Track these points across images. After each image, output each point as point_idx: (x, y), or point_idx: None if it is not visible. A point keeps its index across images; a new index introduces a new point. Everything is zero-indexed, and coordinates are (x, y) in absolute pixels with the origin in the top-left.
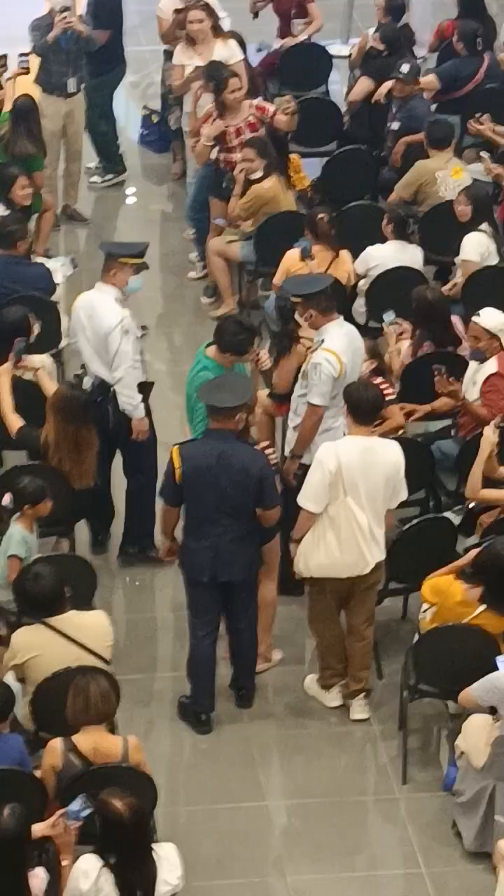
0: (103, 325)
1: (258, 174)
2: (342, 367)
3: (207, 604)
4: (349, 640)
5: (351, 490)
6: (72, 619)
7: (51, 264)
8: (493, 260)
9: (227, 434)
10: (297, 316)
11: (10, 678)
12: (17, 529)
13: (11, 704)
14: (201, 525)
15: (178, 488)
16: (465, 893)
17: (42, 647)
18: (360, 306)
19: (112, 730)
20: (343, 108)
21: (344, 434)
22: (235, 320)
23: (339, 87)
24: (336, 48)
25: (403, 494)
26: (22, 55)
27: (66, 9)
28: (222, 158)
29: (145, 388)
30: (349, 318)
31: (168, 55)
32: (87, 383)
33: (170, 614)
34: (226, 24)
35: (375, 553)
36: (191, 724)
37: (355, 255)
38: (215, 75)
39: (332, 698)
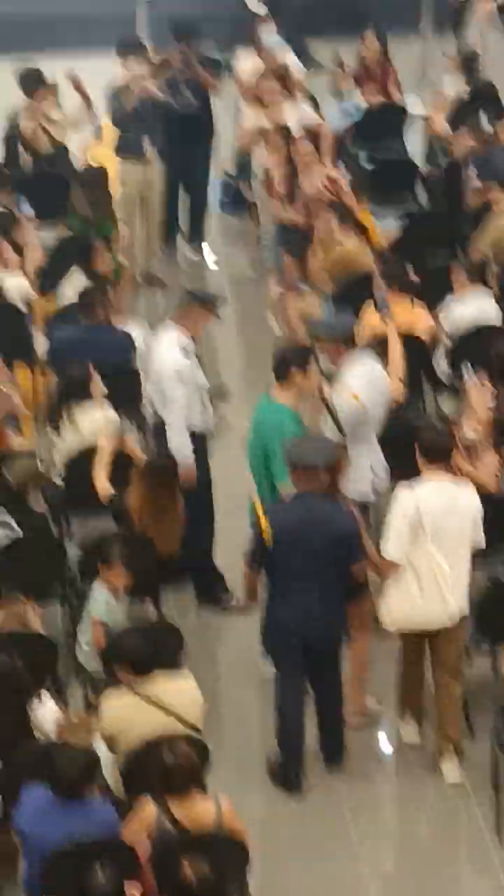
0: (162, 369)
1: (337, 235)
2: (361, 405)
3: (295, 666)
4: (437, 695)
5: (433, 536)
6: (161, 685)
7: (131, 330)
8: None
9: (313, 493)
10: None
11: (100, 745)
12: (102, 594)
13: (96, 770)
14: (290, 587)
15: (265, 551)
16: None
17: (131, 716)
18: (444, 366)
19: (204, 793)
20: (421, 167)
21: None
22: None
23: (416, 145)
24: (411, 105)
25: (482, 540)
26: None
27: (143, 76)
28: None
29: (201, 439)
30: (432, 377)
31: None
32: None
33: (255, 673)
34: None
35: (457, 602)
36: (282, 786)
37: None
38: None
39: (409, 733)
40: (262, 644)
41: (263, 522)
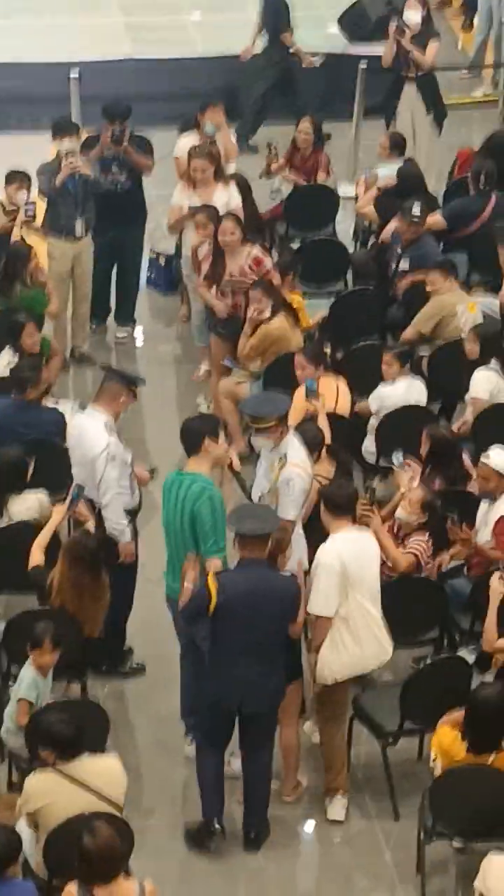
0: (91, 450)
1: (266, 314)
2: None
3: (222, 731)
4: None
5: (357, 585)
6: (85, 765)
7: (61, 408)
8: (503, 398)
9: (259, 562)
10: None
11: (22, 825)
12: (29, 672)
13: (17, 850)
14: (232, 655)
15: (205, 618)
16: None
17: (54, 794)
18: (370, 445)
19: (127, 875)
20: (350, 249)
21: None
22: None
23: (346, 227)
24: (343, 188)
25: None
26: (27, 203)
27: (73, 153)
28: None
29: (132, 513)
30: (358, 455)
31: None
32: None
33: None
34: (231, 169)
35: (388, 640)
36: (201, 841)
37: (362, 394)
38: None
39: (335, 811)
40: (186, 718)
41: (212, 588)
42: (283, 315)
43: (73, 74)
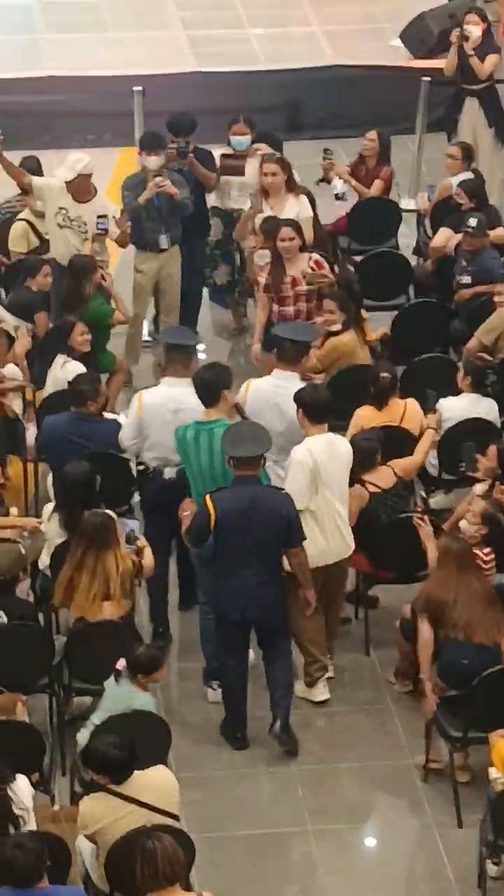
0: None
1: (336, 326)
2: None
3: (237, 641)
4: (328, 620)
5: (327, 483)
6: (136, 782)
7: (122, 419)
8: None
9: (253, 479)
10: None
11: (82, 839)
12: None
13: (44, 862)
14: (232, 567)
15: (208, 533)
16: None
17: (110, 815)
18: (432, 458)
19: (188, 888)
20: (413, 262)
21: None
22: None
23: (409, 241)
24: (405, 202)
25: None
26: (100, 217)
27: (160, 174)
28: (276, 311)
29: None
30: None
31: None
32: (168, 473)
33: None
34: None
35: (351, 537)
36: (228, 741)
37: (424, 406)
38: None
39: (320, 693)
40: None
41: (209, 506)
42: (354, 330)
43: (137, 88)
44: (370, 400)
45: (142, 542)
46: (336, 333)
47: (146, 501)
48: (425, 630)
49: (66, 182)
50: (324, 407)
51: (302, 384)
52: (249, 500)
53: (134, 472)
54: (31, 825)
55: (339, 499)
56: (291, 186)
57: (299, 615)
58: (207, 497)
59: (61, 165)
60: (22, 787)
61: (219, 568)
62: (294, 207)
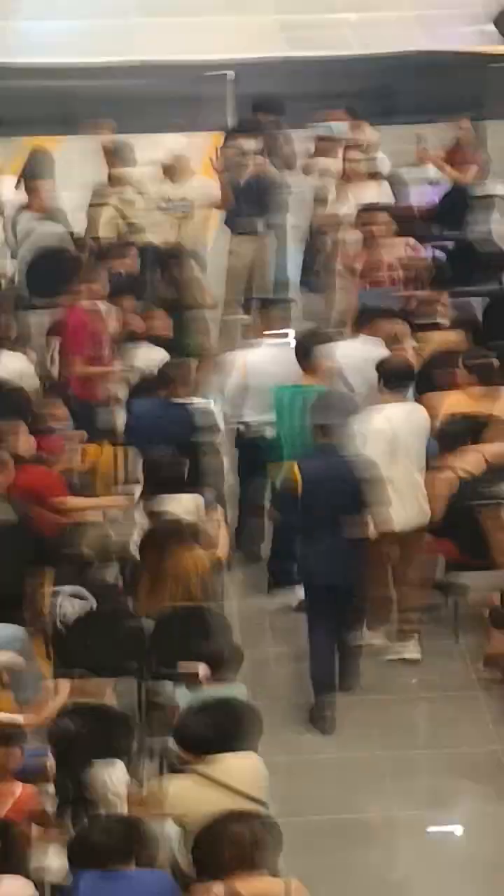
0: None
1: (445, 322)
2: None
3: (326, 605)
4: (407, 589)
5: (404, 452)
6: (223, 764)
7: (211, 405)
8: None
9: (334, 447)
10: None
11: (170, 823)
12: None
13: (129, 844)
14: (317, 532)
15: (295, 501)
16: None
17: (196, 798)
18: None
19: (275, 874)
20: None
21: None
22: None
23: (501, 228)
24: (500, 187)
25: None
26: (182, 200)
27: (258, 152)
28: None
29: None
30: None
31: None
32: (266, 431)
33: (334, 754)
34: (385, 166)
35: (427, 507)
36: (317, 725)
37: None
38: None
39: (412, 649)
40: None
41: (296, 474)
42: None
43: (229, 75)
44: (462, 384)
45: (216, 517)
46: (440, 328)
47: (244, 461)
48: None
49: (164, 165)
50: (404, 376)
51: (386, 351)
52: (331, 468)
53: (223, 459)
54: (122, 811)
55: (418, 468)
56: (373, 174)
57: (375, 570)
58: (294, 465)
59: (159, 148)
60: (118, 774)
61: (304, 534)
62: (374, 193)
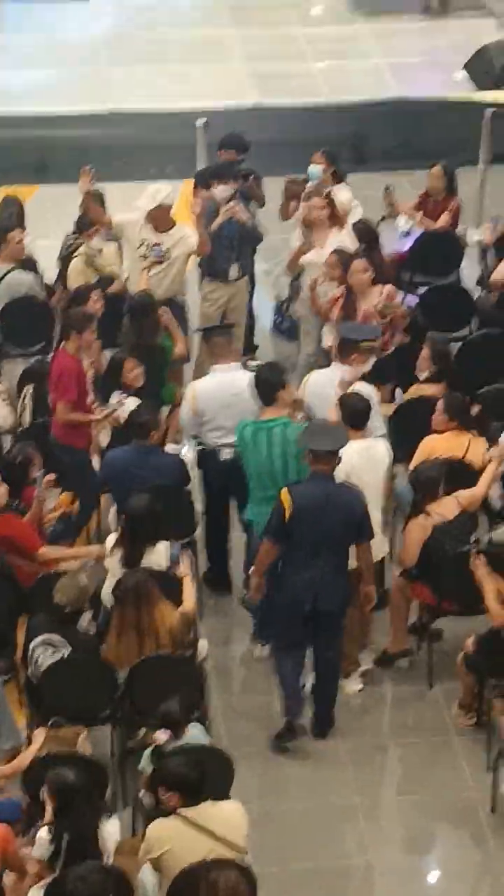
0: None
1: (424, 375)
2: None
3: (299, 638)
4: (363, 618)
5: (362, 487)
6: (207, 810)
7: (183, 452)
8: None
9: (329, 476)
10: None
11: (146, 871)
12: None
13: (104, 894)
14: (304, 559)
15: (285, 527)
16: None
17: (178, 840)
18: (495, 493)
19: None
20: (475, 294)
21: None
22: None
23: (472, 273)
24: (469, 235)
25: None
26: (156, 245)
27: (232, 198)
28: None
29: None
30: (484, 504)
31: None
32: (225, 455)
33: (310, 801)
34: (356, 213)
35: (385, 540)
36: (283, 740)
37: (489, 439)
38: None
39: (355, 683)
40: (259, 622)
41: (285, 500)
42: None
43: (200, 123)
44: (438, 427)
45: (183, 570)
46: (422, 381)
47: (207, 483)
48: None
49: (147, 211)
50: (362, 413)
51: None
52: (325, 496)
53: (197, 506)
54: (109, 861)
55: (373, 502)
56: (335, 220)
57: (354, 610)
58: (285, 491)
59: (142, 196)
60: (111, 828)
61: (290, 559)
62: (336, 241)
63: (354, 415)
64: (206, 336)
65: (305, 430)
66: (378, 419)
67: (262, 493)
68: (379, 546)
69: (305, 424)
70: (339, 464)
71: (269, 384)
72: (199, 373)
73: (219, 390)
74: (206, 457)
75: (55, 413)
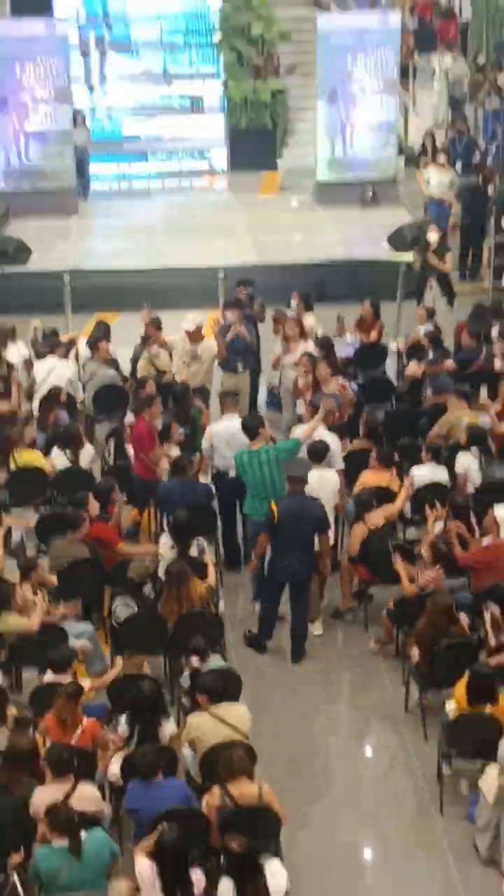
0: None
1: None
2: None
3: (277, 596)
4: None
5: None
6: (225, 709)
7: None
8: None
9: (301, 492)
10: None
11: (186, 749)
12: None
13: (159, 762)
14: (287, 549)
15: (274, 527)
16: (483, 887)
17: (206, 728)
18: (407, 512)
19: (252, 780)
20: (395, 383)
21: None
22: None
23: (392, 369)
24: (391, 345)
25: None
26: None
27: (238, 321)
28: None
29: None
30: (401, 516)
31: None
32: (231, 473)
33: (289, 706)
34: (319, 331)
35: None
36: (253, 647)
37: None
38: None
39: (317, 629)
40: (255, 590)
41: (274, 509)
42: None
43: (220, 275)
44: (372, 468)
45: (207, 557)
46: (361, 437)
47: (219, 492)
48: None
49: (187, 331)
50: (321, 452)
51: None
52: (299, 507)
53: (218, 519)
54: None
55: (327, 508)
56: (302, 335)
57: (317, 577)
58: (273, 504)
59: (184, 321)
60: (166, 725)
61: (277, 549)
62: (303, 349)
63: (314, 453)
64: (224, 396)
65: (286, 464)
66: (338, 457)
67: (255, 495)
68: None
69: (278, 444)
70: (305, 485)
71: (252, 427)
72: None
73: (225, 431)
74: (218, 476)
75: (147, 458)
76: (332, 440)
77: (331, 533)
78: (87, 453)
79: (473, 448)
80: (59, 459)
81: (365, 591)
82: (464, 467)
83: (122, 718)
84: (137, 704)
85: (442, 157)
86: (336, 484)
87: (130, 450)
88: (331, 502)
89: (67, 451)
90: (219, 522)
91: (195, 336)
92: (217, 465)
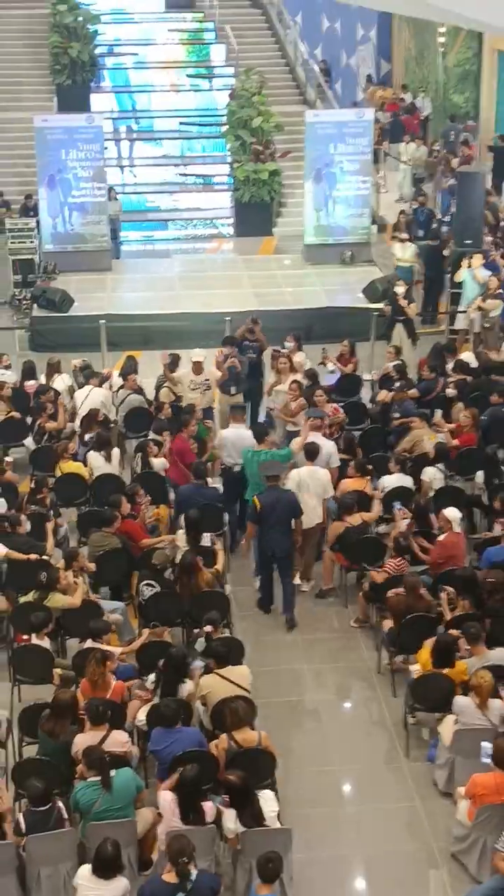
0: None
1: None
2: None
3: (268, 565)
4: (307, 556)
5: (307, 489)
6: (230, 669)
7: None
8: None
9: (277, 487)
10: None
11: (198, 703)
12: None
13: (180, 712)
14: (269, 531)
15: (257, 515)
16: (441, 814)
17: (214, 686)
18: (378, 508)
19: (253, 728)
20: (368, 406)
21: None
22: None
23: (366, 396)
24: (365, 376)
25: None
26: (204, 381)
27: (232, 354)
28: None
29: None
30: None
31: None
32: (237, 468)
33: (281, 666)
34: (307, 365)
35: (319, 517)
36: (261, 609)
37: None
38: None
39: (303, 585)
40: (256, 568)
41: (256, 502)
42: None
43: (227, 319)
44: (352, 475)
45: (217, 547)
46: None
47: (226, 484)
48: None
49: (194, 362)
50: (313, 454)
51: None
52: (276, 498)
53: (225, 513)
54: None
55: (315, 497)
56: (292, 368)
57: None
58: (255, 497)
59: (193, 356)
60: (185, 685)
61: (261, 531)
62: (292, 378)
63: (307, 453)
64: (232, 408)
65: (262, 466)
66: (335, 457)
67: (254, 485)
68: (315, 519)
69: (273, 452)
70: (285, 481)
71: (261, 433)
72: (223, 424)
73: (232, 435)
74: (226, 470)
75: (175, 467)
76: (328, 445)
77: (316, 516)
78: (116, 454)
79: (440, 464)
80: (95, 459)
81: (345, 575)
82: (430, 477)
83: (151, 676)
84: (168, 663)
85: (404, 235)
86: (325, 478)
87: (154, 461)
88: (321, 494)
89: (102, 451)
90: (225, 516)
91: (197, 368)
92: (225, 461)
